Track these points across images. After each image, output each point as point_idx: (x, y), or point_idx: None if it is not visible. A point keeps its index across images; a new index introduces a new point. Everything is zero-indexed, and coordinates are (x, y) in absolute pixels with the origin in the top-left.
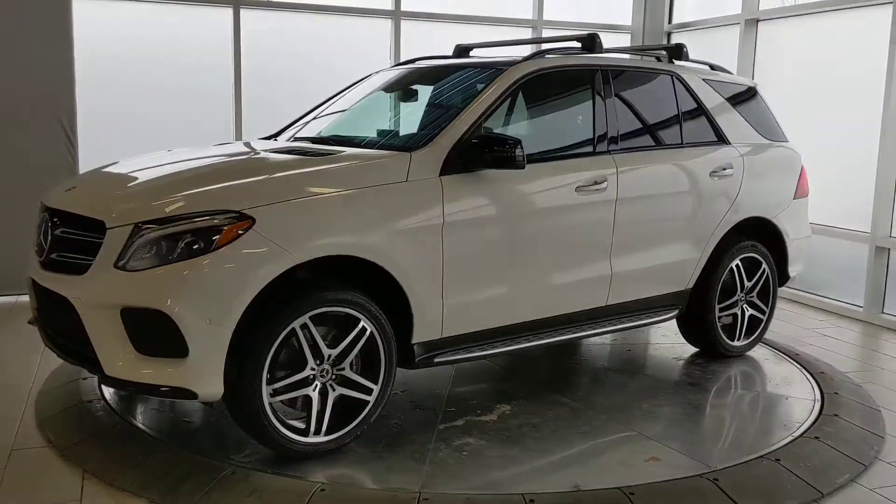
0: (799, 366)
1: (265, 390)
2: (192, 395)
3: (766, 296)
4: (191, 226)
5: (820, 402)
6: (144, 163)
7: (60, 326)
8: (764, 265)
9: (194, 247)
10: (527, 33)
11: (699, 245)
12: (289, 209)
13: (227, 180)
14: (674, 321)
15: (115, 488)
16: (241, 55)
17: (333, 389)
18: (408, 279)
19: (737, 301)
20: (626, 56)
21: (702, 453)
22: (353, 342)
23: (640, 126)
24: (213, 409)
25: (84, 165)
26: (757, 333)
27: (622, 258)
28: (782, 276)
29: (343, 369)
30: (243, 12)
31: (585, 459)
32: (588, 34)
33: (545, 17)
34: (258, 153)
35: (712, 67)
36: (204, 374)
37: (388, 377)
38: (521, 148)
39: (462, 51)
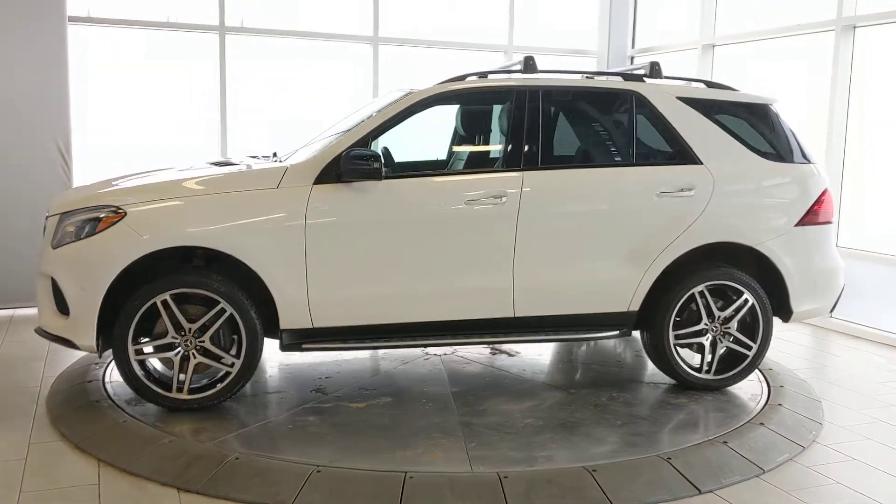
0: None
1: (131, 349)
2: (74, 345)
3: (754, 329)
4: (85, 216)
5: (767, 394)
6: (112, 175)
7: None
8: (746, 295)
9: (88, 232)
10: (499, 57)
11: (639, 266)
12: (154, 207)
13: (129, 185)
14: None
15: (129, 473)
16: (227, 79)
17: (195, 357)
18: (268, 272)
19: (704, 330)
20: (572, 77)
21: (492, 460)
22: (213, 320)
23: (572, 145)
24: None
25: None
26: (738, 370)
27: (529, 272)
28: (783, 311)
29: (204, 341)
30: (228, 37)
31: (380, 444)
32: (525, 57)
33: (515, 44)
34: (193, 167)
35: (709, 85)
36: (80, 330)
37: (251, 354)
38: (380, 162)
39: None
